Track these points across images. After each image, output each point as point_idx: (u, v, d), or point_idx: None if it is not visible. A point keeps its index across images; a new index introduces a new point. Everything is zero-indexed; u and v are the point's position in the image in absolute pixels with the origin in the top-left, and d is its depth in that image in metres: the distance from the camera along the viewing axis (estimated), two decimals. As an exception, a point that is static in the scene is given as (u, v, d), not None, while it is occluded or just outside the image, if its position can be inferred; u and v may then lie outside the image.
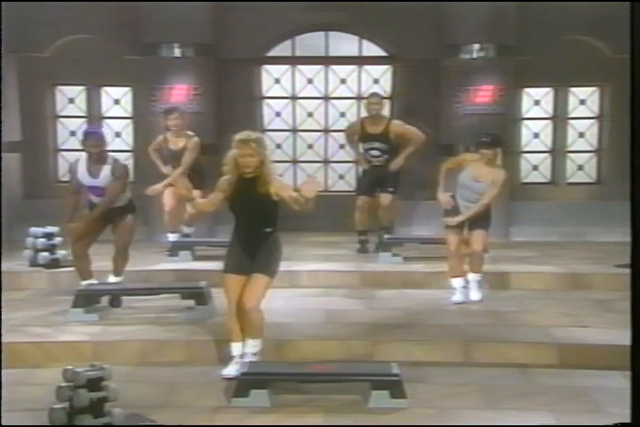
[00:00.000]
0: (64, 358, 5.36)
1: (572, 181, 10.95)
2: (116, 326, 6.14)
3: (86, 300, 6.33)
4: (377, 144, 8.50)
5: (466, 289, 6.99)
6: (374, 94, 8.91)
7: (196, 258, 8.25)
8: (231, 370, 5.12)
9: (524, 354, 5.69)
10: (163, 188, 8.14)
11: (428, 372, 5.42)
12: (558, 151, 10.90)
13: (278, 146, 10.79)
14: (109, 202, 6.71)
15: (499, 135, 7.20)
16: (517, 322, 6.37)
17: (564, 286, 7.60)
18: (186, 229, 8.66)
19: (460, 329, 6.13)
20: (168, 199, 8.39)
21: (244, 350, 5.18)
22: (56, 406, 4.18)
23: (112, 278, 6.94)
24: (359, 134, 8.66)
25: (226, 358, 5.37)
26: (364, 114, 10.69)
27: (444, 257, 8.18)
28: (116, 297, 6.64)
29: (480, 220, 6.90)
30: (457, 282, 7.03)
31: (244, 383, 4.82)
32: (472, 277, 7.04)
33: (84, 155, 6.80)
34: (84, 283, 6.82)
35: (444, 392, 5.04)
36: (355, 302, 7.01)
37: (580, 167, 10.95)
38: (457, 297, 6.95)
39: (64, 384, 4.21)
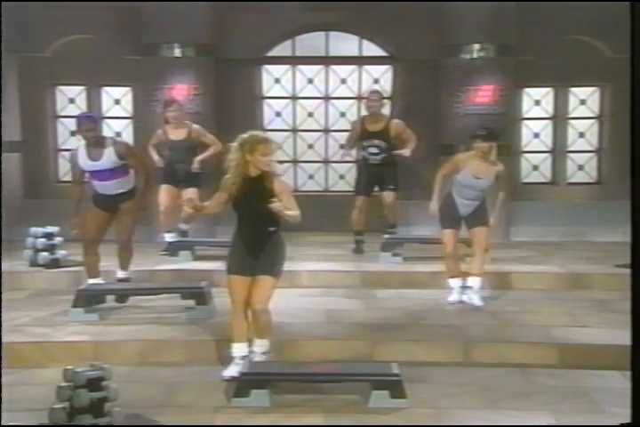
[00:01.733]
0: (64, 358, 5.36)
1: (572, 180, 10.95)
2: (117, 326, 6.14)
3: (86, 300, 6.33)
4: (376, 142, 8.48)
5: (463, 289, 6.93)
6: (374, 92, 8.91)
7: (196, 258, 8.25)
8: (232, 371, 5.10)
9: (524, 354, 5.70)
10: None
11: (428, 372, 5.42)
12: (559, 151, 10.90)
13: (278, 146, 10.79)
14: (148, 180, 6.90)
15: (495, 129, 7.20)
16: (517, 322, 6.37)
17: (564, 285, 7.60)
18: (183, 226, 8.59)
19: (460, 329, 6.13)
20: (163, 199, 8.35)
21: (253, 349, 5.19)
22: (56, 406, 4.18)
23: (120, 273, 6.99)
24: (359, 132, 8.63)
25: (226, 358, 5.38)
26: (364, 114, 10.78)
27: (443, 257, 8.22)
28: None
29: (479, 216, 6.84)
30: (454, 282, 6.98)
31: (245, 383, 4.82)
32: (474, 281, 6.83)
33: (82, 143, 6.83)
34: (91, 281, 6.84)
35: (444, 392, 5.05)
36: (355, 302, 7.01)
37: (581, 167, 10.95)
38: (453, 297, 6.92)
39: (64, 384, 4.21)
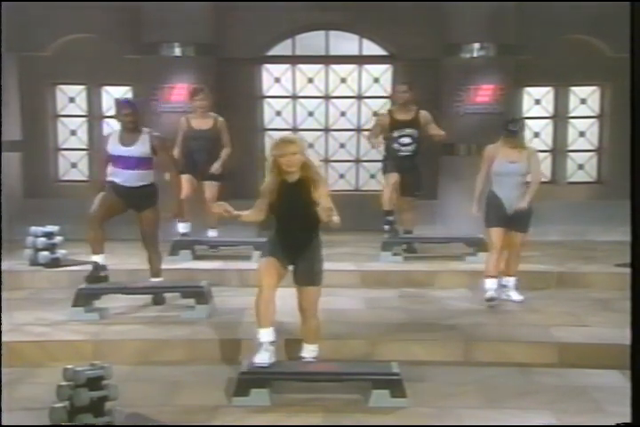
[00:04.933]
0: (64, 357, 5.36)
1: (572, 180, 10.96)
2: (117, 325, 6.14)
3: (86, 299, 6.32)
4: (408, 130, 8.27)
5: (499, 289, 6.85)
6: (402, 83, 8.70)
7: (196, 257, 8.24)
8: (264, 358, 4.91)
9: (525, 353, 5.70)
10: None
11: (429, 371, 5.42)
12: (559, 150, 10.90)
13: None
14: (176, 173, 6.81)
15: (523, 121, 7.23)
16: (518, 321, 6.37)
17: (564, 285, 7.59)
18: (210, 233, 8.57)
19: (460, 328, 6.13)
20: (185, 186, 8.14)
21: (303, 355, 5.21)
22: (56, 406, 4.18)
23: (153, 280, 6.90)
24: (388, 123, 8.35)
25: (226, 356, 5.39)
26: (364, 113, 10.78)
27: (445, 256, 8.22)
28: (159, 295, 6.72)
29: (523, 221, 6.77)
30: (491, 283, 6.78)
31: (245, 382, 4.82)
32: (509, 280, 6.96)
33: (115, 129, 6.79)
34: (94, 257, 6.77)
35: (445, 391, 5.05)
36: (355, 302, 7.01)
37: (581, 166, 10.95)
38: (491, 294, 6.73)
39: (64, 383, 4.21)
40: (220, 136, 8.37)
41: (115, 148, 6.62)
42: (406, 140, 8.32)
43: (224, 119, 8.45)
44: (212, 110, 8.49)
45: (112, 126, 10.52)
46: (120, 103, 6.92)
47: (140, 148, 6.59)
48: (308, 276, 5.05)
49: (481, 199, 6.92)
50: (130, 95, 10.58)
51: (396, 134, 8.33)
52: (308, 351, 5.22)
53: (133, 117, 6.61)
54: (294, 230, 5.01)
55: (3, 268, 6.65)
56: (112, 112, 10.46)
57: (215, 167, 8.28)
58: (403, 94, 8.39)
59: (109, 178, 6.74)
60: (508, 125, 6.79)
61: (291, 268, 5.11)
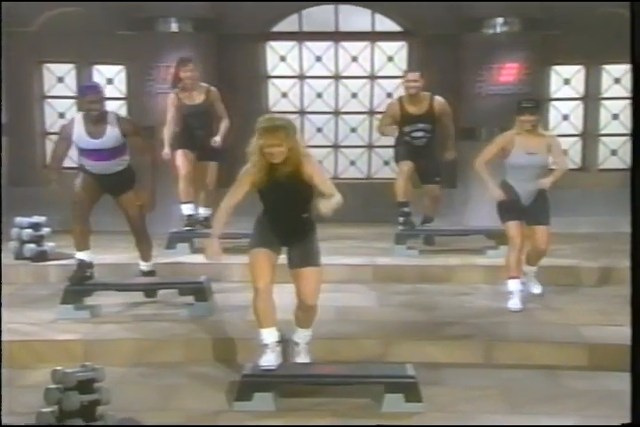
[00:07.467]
0: (53, 359, 5.40)
1: (604, 166, 10.94)
2: (109, 324, 6.18)
3: (76, 296, 6.36)
4: (421, 125, 8.16)
5: (523, 293, 6.71)
6: (412, 69, 8.59)
7: (195, 251, 8.26)
8: (270, 360, 4.96)
9: (551, 355, 5.72)
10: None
11: (446, 374, 5.45)
12: (590, 134, 10.88)
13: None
14: (155, 164, 6.76)
15: (539, 100, 7.15)
16: (543, 320, 6.39)
17: (594, 281, 7.60)
18: (202, 211, 8.48)
19: (480, 328, 6.15)
20: (182, 163, 8.18)
21: (296, 340, 5.25)
22: (44, 410, 4.21)
23: (142, 265, 7.03)
24: (399, 115, 8.20)
25: (227, 357, 5.40)
26: (377, 94, 10.78)
27: (464, 250, 8.22)
28: None
29: (541, 211, 6.69)
30: (515, 285, 6.63)
31: (247, 386, 4.85)
32: (530, 269, 6.91)
33: (78, 116, 6.68)
34: (79, 255, 6.69)
35: (463, 396, 5.07)
36: (366, 298, 7.04)
37: (614, 152, 10.92)
38: (515, 303, 6.55)
39: (53, 386, 4.23)
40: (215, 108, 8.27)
41: (82, 140, 6.52)
42: (419, 133, 8.21)
43: (216, 89, 8.32)
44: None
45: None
46: (85, 88, 6.86)
47: (111, 138, 6.50)
48: (305, 256, 5.05)
49: (496, 184, 6.70)
50: (123, 75, 10.61)
51: (407, 129, 8.20)
52: (303, 337, 5.24)
53: (100, 105, 6.52)
54: (284, 213, 5.02)
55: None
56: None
57: (215, 140, 8.12)
58: (414, 83, 8.08)
59: (81, 164, 6.70)
60: (522, 102, 6.65)
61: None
